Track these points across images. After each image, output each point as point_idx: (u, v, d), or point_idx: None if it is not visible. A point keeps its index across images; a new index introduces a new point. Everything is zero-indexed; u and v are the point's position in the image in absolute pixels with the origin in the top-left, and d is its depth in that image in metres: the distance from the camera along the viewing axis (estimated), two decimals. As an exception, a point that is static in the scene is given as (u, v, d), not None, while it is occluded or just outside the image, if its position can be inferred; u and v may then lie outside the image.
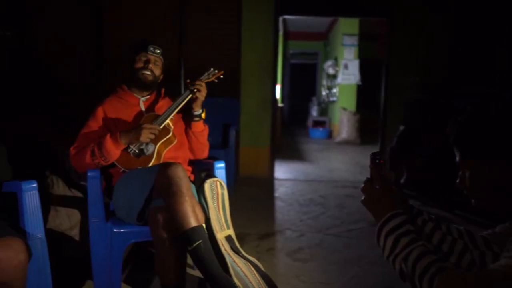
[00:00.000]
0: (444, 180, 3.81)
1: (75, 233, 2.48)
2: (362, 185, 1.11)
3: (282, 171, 5.24)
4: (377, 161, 1.12)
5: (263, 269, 1.78)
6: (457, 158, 1.00)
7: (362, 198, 1.10)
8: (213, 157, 2.18)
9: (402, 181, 4.19)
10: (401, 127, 4.20)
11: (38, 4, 4.35)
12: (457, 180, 1.02)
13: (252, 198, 3.90)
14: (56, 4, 4.37)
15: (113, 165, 1.87)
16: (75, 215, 2.47)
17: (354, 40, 8.47)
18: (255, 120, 4.66)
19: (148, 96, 2.07)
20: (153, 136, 1.81)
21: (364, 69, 8.65)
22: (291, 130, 10.52)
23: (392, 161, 4.14)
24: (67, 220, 2.45)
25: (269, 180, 4.69)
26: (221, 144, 3.87)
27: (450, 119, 1.01)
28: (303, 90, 11.85)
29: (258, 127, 4.68)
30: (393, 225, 0.98)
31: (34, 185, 1.56)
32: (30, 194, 1.55)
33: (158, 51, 1.99)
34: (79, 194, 2.58)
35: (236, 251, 1.74)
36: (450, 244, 1.10)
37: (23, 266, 1.31)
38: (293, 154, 6.79)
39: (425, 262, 0.88)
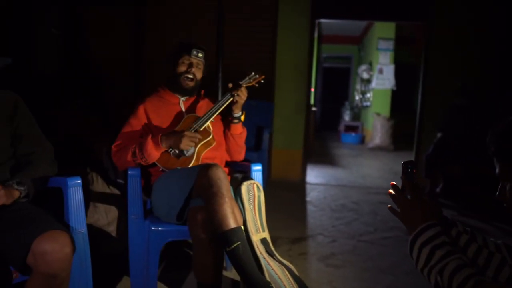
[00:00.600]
0: (483, 190, 3.68)
1: (112, 229, 2.54)
2: (390, 191, 1.09)
3: (314, 175, 5.20)
4: (409, 170, 1.11)
5: (297, 273, 1.77)
6: (497, 170, 0.96)
7: (389, 205, 1.09)
8: (246, 160, 2.20)
9: (438, 190, 4.07)
10: (439, 134, 4.08)
11: (85, 6, 4.52)
12: (497, 193, 0.98)
13: (284, 201, 3.89)
14: (104, 7, 4.54)
15: (152, 164, 1.91)
16: (113, 211, 2.53)
17: (390, 45, 8.31)
18: (289, 123, 4.65)
19: (189, 97, 2.10)
20: (193, 144, 1.83)
21: (399, 73, 8.48)
22: (322, 135, 10.44)
23: (428, 169, 4.03)
24: (105, 216, 2.52)
25: (301, 184, 4.66)
26: (254, 147, 3.88)
27: (490, 128, 0.98)
28: (336, 94, 11.73)
29: (292, 130, 4.67)
30: (427, 237, 0.95)
31: (79, 181, 1.62)
32: (75, 190, 1.61)
33: (201, 55, 2.01)
34: (116, 192, 2.64)
35: (271, 254, 1.74)
36: (487, 257, 1.06)
37: (69, 259, 1.35)
38: (325, 158, 6.72)
39: (462, 276, 0.85)
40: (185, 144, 1.81)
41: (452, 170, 3.96)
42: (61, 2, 4.43)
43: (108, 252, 2.39)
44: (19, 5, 3.92)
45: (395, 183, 1.15)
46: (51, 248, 1.31)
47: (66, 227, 1.52)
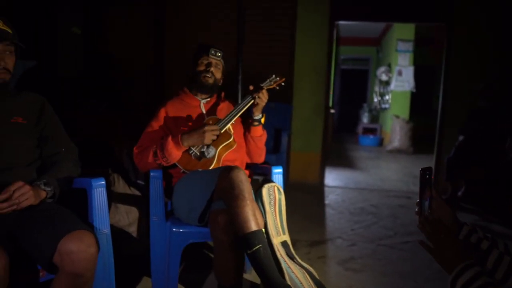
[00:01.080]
0: (506, 195, 3.59)
1: (132, 230, 2.58)
2: (421, 226, 1.07)
3: (332, 178, 5.16)
4: (427, 176, 1.10)
5: (317, 277, 1.76)
6: None
7: (420, 240, 1.07)
8: (265, 162, 2.20)
9: (459, 194, 3.99)
10: (460, 137, 4.00)
11: (107, 7, 4.60)
12: None
13: (302, 204, 3.88)
14: (123, 8, 4.62)
15: (173, 165, 1.93)
16: (134, 212, 2.56)
17: (409, 46, 8.20)
18: (307, 125, 4.64)
19: (209, 99, 2.12)
20: (215, 137, 1.84)
21: (418, 75, 8.36)
22: (340, 137, 10.36)
23: (449, 172, 3.96)
24: (126, 217, 2.55)
25: (319, 187, 4.64)
26: (272, 149, 3.88)
27: (510, 133, 0.96)
28: (353, 96, 11.64)
29: (310, 133, 4.65)
30: (468, 278, 0.93)
31: (103, 182, 1.64)
32: (99, 190, 1.63)
33: (219, 54, 2.04)
34: (137, 193, 2.67)
35: (291, 257, 1.74)
36: (509, 264, 1.03)
37: (94, 259, 1.37)
38: (343, 161, 6.67)
39: None
40: (208, 138, 1.82)
41: (474, 173, 3.88)
42: (83, 3, 4.52)
43: (128, 253, 2.42)
44: (43, 8, 4.01)
45: (418, 213, 1.13)
46: (77, 248, 1.33)
47: (90, 227, 1.55)
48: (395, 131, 7.84)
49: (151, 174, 1.88)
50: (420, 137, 8.34)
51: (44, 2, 3.97)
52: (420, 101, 9.16)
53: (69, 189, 1.67)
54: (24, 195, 1.42)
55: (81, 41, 4.58)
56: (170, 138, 1.86)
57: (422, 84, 8.58)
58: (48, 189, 1.54)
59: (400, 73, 8.25)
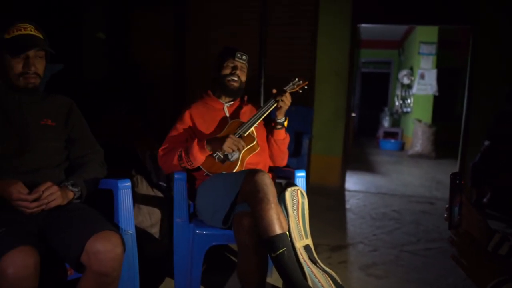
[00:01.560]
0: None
1: (155, 231, 2.60)
2: (452, 239, 1.04)
3: (353, 182, 5.11)
4: (458, 182, 1.06)
5: (339, 281, 1.74)
6: None
7: (452, 254, 1.04)
8: (286, 166, 2.20)
9: (485, 200, 3.89)
10: (486, 142, 3.91)
11: (130, 12, 4.70)
12: None
13: (322, 208, 3.85)
14: (146, 14, 4.70)
15: (197, 168, 1.95)
16: (156, 214, 2.59)
17: (432, 49, 8.06)
18: (328, 129, 4.61)
19: (232, 102, 2.13)
20: (235, 148, 1.84)
21: (441, 78, 8.20)
22: (360, 141, 10.26)
23: (474, 178, 3.87)
24: (148, 218, 2.58)
25: (340, 191, 4.60)
26: (293, 153, 3.87)
27: None
28: (374, 100, 11.50)
29: (331, 136, 4.62)
30: None
31: (128, 183, 1.67)
32: (125, 192, 1.66)
33: (245, 58, 2.05)
34: (159, 194, 2.70)
35: (314, 261, 1.73)
36: None
37: (120, 259, 1.40)
38: (364, 165, 6.60)
39: None
40: (227, 146, 1.82)
41: (500, 179, 3.78)
42: (107, 7, 4.62)
43: (150, 254, 2.44)
44: (69, 12, 4.12)
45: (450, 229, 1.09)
46: (104, 247, 1.36)
47: (115, 227, 1.58)
48: (417, 135, 7.71)
49: (176, 176, 1.90)
50: (443, 141, 8.17)
51: (70, 8, 4.08)
52: (443, 104, 8.99)
53: (95, 190, 1.70)
54: (53, 195, 1.46)
55: (106, 46, 4.68)
56: (195, 142, 1.88)
57: (445, 87, 8.41)
58: (76, 189, 1.57)
59: (422, 76, 8.12)
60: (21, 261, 1.20)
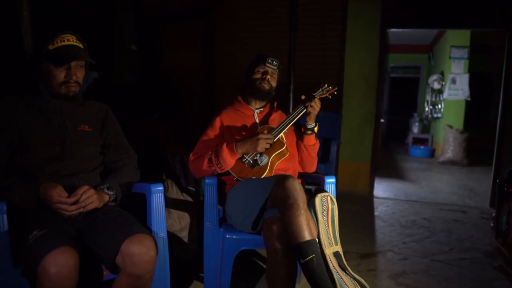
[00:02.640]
0: None
1: (184, 235, 2.64)
2: (499, 249, 1.00)
3: (381, 189, 5.03)
4: (505, 189, 1.02)
5: (370, 290, 1.72)
6: None
7: (498, 264, 1.00)
8: (315, 172, 2.19)
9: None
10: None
11: (163, 24, 4.82)
12: None
13: (350, 215, 3.81)
14: (175, 24, 4.81)
15: (227, 172, 1.97)
16: (185, 218, 2.63)
17: (464, 53, 7.84)
18: (357, 135, 4.56)
19: (262, 108, 2.15)
20: (268, 146, 1.87)
21: (473, 82, 7.96)
22: (389, 147, 10.08)
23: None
24: (178, 222, 2.63)
25: (368, 198, 4.54)
26: (321, 159, 3.85)
27: None
28: (403, 105, 11.29)
29: (359, 142, 4.57)
30: None
31: (161, 188, 1.71)
32: (157, 196, 1.70)
33: (276, 64, 2.08)
34: (189, 199, 2.75)
35: (343, 268, 1.71)
36: None
37: (153, 261, 1.43)
38: (393, 171, 6.48)
39: None
40: (261, 147, 1.86)
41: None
42: (139, 19, 4.76)
43: (179, 257, 2.48)
44: (104, 24, 4.27)
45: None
46: (138, 250, 1.40)
47: (148, 230, 1.62)
48: (448, 141, 7.51)
49: (206, 181, 1.92)
50: (476, 148, 7.93)
51: (104, 20, 4.23)
52: (475, 110, 8.73)
53: (129, 193, 1.75)
54: (90, 198, 1.51)
55: (137, 55, 4.83)
56: (225, 145, 1.91)
57: (478, 92, 8.16)
58: (111, 193, 1.63)
59: (453, 81, 7.91)
60: (63, 260, 1.25)
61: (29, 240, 1.36)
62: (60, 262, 1.24)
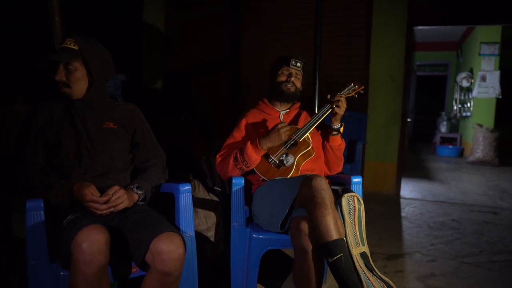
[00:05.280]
0: None
1: (210, 235, 2.68)
2: None
3: (408, 189, 4.94)
4: None
5: (397, 291, 1.70)
6: None
7: None
8: (340, 172, 2.18)
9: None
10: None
11: (184, 29, 4.90)
12: None
13: (377, 215, 3.76)
14: (200, 26, 4.87)
15: (253, 172, 1.99)
16: (212, 217, 2.67)
17: (495, 49, 7.60)
18: (383, 135, 4.49)
19: (288, 110, 2.16)
20: (289, 132, 1.89)
21: (505, 80, 7.71)
22: (416, 146, 9.89)
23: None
24: (205, 222, 2.66)
25: (395, 198, 4.46)
26: (347, 159, 3.82)
27: None
28: (430, 104, 11.04)
29: (385, 143, 4.50)
30: None
31: (189, 187, 1.74)
32: (185, 195, 1.73)
33: (299, 65, 2.08)
34: (215, 199, 2.78)
35: (371, 269, 1.70)
36: None
37: (182, 259, 1.46)
38: (420, 172, 6.35)
39: None
40: (285, 134, 1.88)
41: None
42: (165, 23, 4.85)
43: (206, 256, 2.52)
44: (132, 28, 4.37)
45: None
46: (167, 248, 1.43)
47: (177, 229, 1.65)
48: (478, 141, 7.30)
49: (233, 181, 1.94)
50: (507, 147, 7.68)
51: (132, 25, 4.33)
52: (507, 108, 8.44)
53: (157, 193, 1.79)
54: (120, 198, 1.56)
55: (164, 58, 4.92)
56: (249, 143, 1.94)
57: (509, 90, 7.89)
58: (140, 192, 1.67)
59: (483, 79, 7.69)
60: (94, 235, 1.33)
61: (63, 224, 1.45)
62: (92, 237, 1.32)
